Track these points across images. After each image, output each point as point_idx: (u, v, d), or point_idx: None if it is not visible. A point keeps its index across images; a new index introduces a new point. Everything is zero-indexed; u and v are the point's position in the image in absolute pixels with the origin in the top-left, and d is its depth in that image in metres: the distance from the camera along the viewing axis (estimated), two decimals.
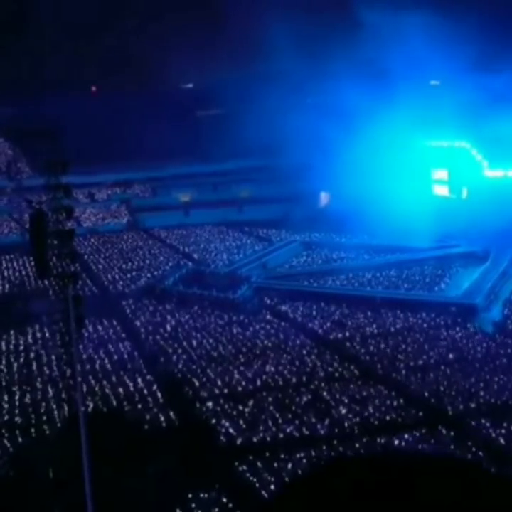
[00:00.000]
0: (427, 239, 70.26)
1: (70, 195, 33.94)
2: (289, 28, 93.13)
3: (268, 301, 58.72)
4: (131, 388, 40.32)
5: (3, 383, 42.15)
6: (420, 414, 35.54)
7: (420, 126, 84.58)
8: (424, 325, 50.63)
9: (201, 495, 27.34)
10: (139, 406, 37.68)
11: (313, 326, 51.87)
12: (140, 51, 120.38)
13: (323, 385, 39.60)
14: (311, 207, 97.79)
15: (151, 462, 28.35)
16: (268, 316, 54.49)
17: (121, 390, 40.06)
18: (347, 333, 49.61)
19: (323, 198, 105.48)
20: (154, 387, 40.30)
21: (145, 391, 39.83)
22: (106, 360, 45.27)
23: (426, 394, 38.04)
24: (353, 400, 37.13)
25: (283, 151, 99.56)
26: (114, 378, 41.94)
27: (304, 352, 45.54)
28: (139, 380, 41.51)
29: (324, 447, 31.53)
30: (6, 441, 33.87)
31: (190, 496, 27.15)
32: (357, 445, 31.55)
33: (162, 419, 35.80)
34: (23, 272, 72.59)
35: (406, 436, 32.48)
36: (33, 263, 63.36)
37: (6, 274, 73.14)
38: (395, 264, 68.41)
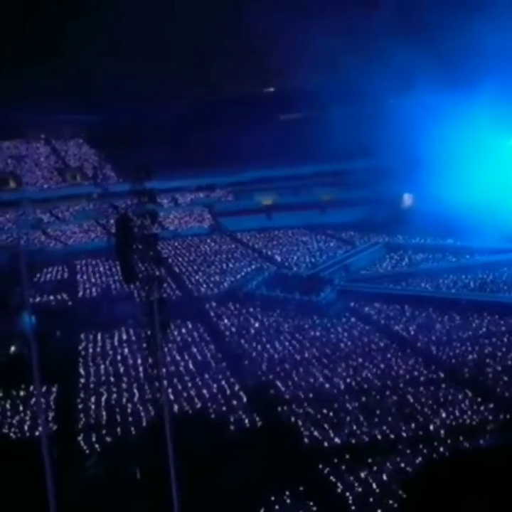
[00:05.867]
0: None
1: (155, 200, 34.44)
2: (370, 28, 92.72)
3: (351, 304, 58.41)
4: (216, 390, 40.65)
5: (91, 385, 43.03)
6: (508, 417, 34.77)
7: (505, 125, 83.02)
8: None
9: (285, 497, 27.35)
10: (224, 408, 37.95)
11: (397, 329, 51.37)
12: (221, 56, 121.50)
13: (408, 388, 39.19)
14: (394, 209, 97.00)
15: (236, 463, 28.51)
16: (352, 319, 54.20)
17: (205, 391, 40.44)
18: (432, 336, 48.93)
19: (407, 199, 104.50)
20: (238, 389, 40.55)
21: (229, 393, 40.12)
22: (190, 362, 45.78)
23: None
24: (438, 404, 36.60)
25: (366, 154, 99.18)
26: (198, 380, 42.36)
27: (389, 355, 45.12)
28: (223, 382, 41.82)
29: (409, 451, 31.14)
30: (93, 442, 34.57)
31: (274, 497, 27.19)
32: (442, 449, 31.06)
33: (246, 421, 35.99)
34: (109, 277, 73.98)
35: (493, 440, 31.82)
36: (118, 267, 64.67)
37: (92, 278, 74.64)
38: (481, 266, 67.11)
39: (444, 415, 35.04)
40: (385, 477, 28.90)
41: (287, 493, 27.55)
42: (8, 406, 39.80)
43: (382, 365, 43.13)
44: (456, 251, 74.51)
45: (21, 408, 39.24)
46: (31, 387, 39.86)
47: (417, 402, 36.89)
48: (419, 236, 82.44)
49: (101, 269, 78.73)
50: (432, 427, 33.88)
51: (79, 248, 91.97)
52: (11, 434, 36.15)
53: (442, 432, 33.23)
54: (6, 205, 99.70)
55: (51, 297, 64.96)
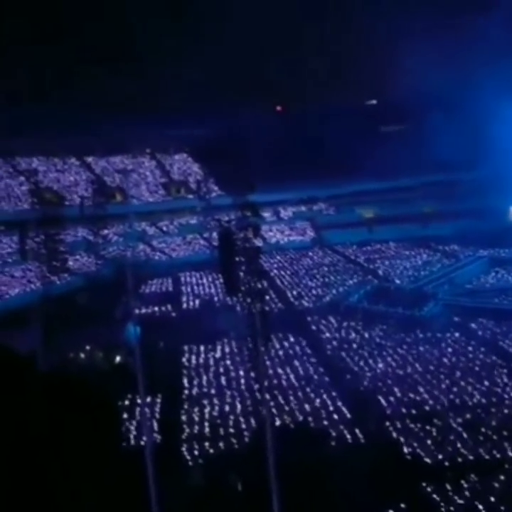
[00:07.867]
0: None
1: (257, 213, 34.79)
2: (476, 36, 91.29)
3: (456, 319, 57.33)
4: (317, 404, 40.55)
5: (194, 396, 43.56)
6: None
7: None
8: None
9: None
10: (325, 422, 37.82)
11: (503, 345, 50.15)
12: (323, 67, 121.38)
13: None
14: (500, 222, 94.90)
15: (337, 478, 28.37)
16: (456, 334, 53.21)
17: (307, 406, 40.38)
18: None
19: None
20: (340, 404, 40.34)
21: (331, 408, 39.95)
22: (292, 376, 45.80)
23: None
24: None
25: (471, 165, 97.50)
26: (300, 394, 42.34)
27: (495, 372, 44.09)
28: (325, 396, 41.67)
29: None
30: (196, 453, 34.98)
31: None
32: None
33: (348, 436, 35.75)
34: (213, 289, 74.80)
35: None
36: (222, 280, 65.38)
37: (196, 290, 75.61)
38: None
39: None
40: (492, 498, 28.20)
41: (389, 509, 27.24)
42: None
43: (487, 382, 42.19)
44: None
45: (126, 417, 40.07)
46: (136, 397, 40.62)
47: None
48: None
49: (204, 281, 79.69)
50: None
51: (183, 260, 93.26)
52: None
53: None
54: (113, 218, 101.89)
55: (155, 308, 66.15)
